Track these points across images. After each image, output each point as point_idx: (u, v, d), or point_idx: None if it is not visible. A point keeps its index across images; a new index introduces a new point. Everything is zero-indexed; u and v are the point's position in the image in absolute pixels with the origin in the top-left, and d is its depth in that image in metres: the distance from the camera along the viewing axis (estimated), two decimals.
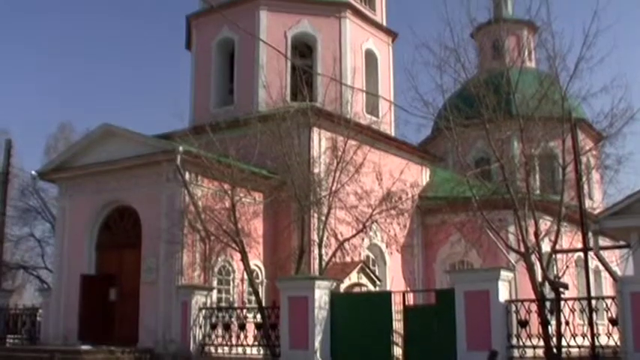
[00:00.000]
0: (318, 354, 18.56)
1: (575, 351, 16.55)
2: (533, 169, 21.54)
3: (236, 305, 22.62)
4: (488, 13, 26.07)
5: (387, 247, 25.35)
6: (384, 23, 32.22)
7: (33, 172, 26.77)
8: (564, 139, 19.57)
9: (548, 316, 17.04)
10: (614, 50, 20.13)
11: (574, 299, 17.50)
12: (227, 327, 20.85)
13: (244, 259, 21.05)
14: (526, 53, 31.04)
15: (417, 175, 29.38)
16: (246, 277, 22.09)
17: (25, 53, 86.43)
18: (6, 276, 38.11)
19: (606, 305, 16.37)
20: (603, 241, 18.70)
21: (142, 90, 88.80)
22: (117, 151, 23.57)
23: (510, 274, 18.30)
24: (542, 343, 16.92)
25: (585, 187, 24.59)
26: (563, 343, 16.68)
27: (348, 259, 22.70)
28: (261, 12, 28.34)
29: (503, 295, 17.37)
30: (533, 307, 17.13)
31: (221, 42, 29.50)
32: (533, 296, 17.59)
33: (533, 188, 21.55)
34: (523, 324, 16.91)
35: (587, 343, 16.49)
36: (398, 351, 18.63)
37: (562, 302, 17.09)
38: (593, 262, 20.00)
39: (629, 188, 19.71)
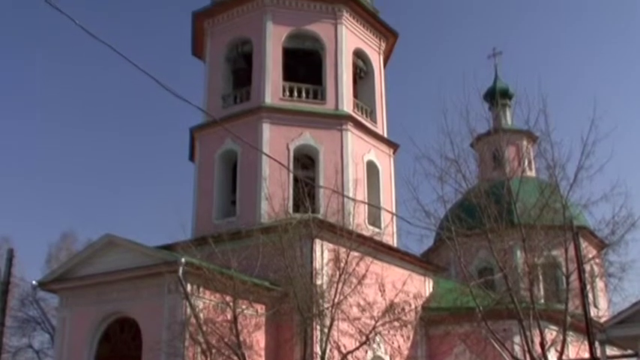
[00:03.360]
0: None
1: None
2: (537, 278, 21.50)
3: None
4: (487, 123, 26.53)
5: (390, 359, 24.98)
6: (385, 135, 32.66)
7: (34, 282, 26.58)
8: (567, 248, 19.63)
9: None
10: (613, 158, 20.44)
11: None
12: None
13: None
14: (526, 163, 31.49)
15: (420, 286, 29.18)
16: None
17: (27, 160, 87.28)
18: None
19: None
20: (611, 350, 18.49)
21: (144, 200, 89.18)
22: (119, 262, 23.50)
23: None
24: None
25: (590, 295, 24.49)
26: None
27: None
28: (264, 125, 28.74)
29: None
30: None
31: (224, 154, 29.82)
32: None
33: (538, 297, 21.46)
34: None
35: None
36: None
37: None
38: None
39: (634, 296, 19.66)
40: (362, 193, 28.48)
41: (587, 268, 22.58)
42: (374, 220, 29.61)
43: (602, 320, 23.95)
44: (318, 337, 21.62)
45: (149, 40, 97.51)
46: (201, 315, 21.67)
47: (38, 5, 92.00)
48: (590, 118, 20.45)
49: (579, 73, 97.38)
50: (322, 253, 24.43)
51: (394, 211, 30.21)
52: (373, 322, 22.00)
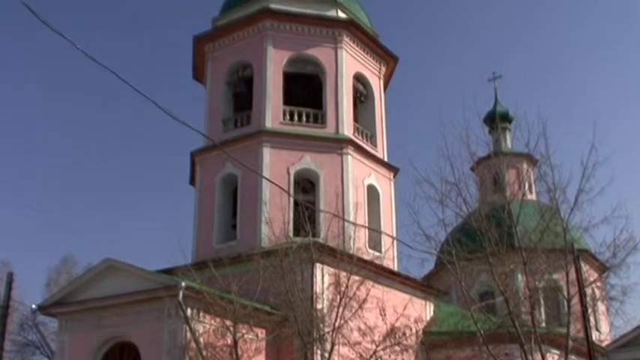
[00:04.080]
0: None
1: None
2: (538, 301, 21.45)
3: None
4: (487, 147, 26.56)
5: None
6: (386, 159, 32.67)
7: (33, 306, 26.46)
8: (568, 271, 19.59)
9: None
10: (614, 181, 20.45)
11: None
12: None
13: None
14: (526, 186, 31.44)
15: (420, 310, 29.03)
16: None
17: (27, 184, 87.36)
18: None
19: None
20: None
21: (144, 224, 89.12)
22: (119, 286, 23.41)
23: None
24: None
25: (591, 318, 24.37)
26: None
27: None
28: (264, 149, 28.75)
29: None
30: None
31: (224, 178, 29.80)
32: None
33: (539, 321, 21.38)
34: None
35: None
36: None
37: None
38: None
39: (635, 319, 19.61)
40: (362, 217, 28.44)
41: (589, 291, 22.51)
42: (374, 244, 29.54)
43: (604, 344, 23.89)
44: None
45: (150, 63, 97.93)
46: (201, 339, 21.59)
47: (37, 27, 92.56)
48: (590, 142, 20.51)
49: (579, 96, 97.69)
50: (323, 277, 24.34)
51: (395, 235, 30.17)
52: (374, 347, 21.92)
